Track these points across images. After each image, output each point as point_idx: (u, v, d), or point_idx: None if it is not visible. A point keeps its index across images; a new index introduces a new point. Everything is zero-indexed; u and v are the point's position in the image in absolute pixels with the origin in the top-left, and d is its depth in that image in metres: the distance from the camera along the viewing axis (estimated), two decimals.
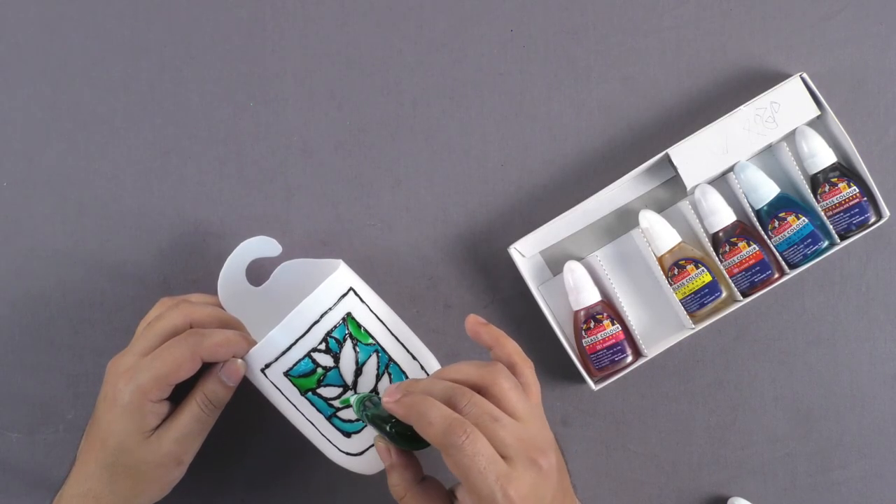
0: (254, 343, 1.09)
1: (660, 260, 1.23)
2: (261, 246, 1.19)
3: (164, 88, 1.30)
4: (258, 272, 1.20)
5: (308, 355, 1.09)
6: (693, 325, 1.22)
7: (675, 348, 1.25)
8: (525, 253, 1.27)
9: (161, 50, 1.30)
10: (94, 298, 1.28)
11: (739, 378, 1.28)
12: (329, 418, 1.12)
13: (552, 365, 1.27)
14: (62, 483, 1.10)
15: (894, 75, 1.28)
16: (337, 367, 1.10)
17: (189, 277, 1.27)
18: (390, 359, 1.13)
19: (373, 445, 1.12)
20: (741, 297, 1.22)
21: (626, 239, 1.27)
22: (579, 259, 1.26)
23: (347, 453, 1.13)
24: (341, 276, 1.12)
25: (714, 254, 1.23)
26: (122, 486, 1.08)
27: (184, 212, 1.29)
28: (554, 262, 1.28)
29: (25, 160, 1.29)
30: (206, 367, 1.09)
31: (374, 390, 1.12)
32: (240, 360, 1.09)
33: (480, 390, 1.00)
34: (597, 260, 1.24)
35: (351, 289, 1.12)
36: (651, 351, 1.23)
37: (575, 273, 1.24)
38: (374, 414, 1.03)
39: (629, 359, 1.23)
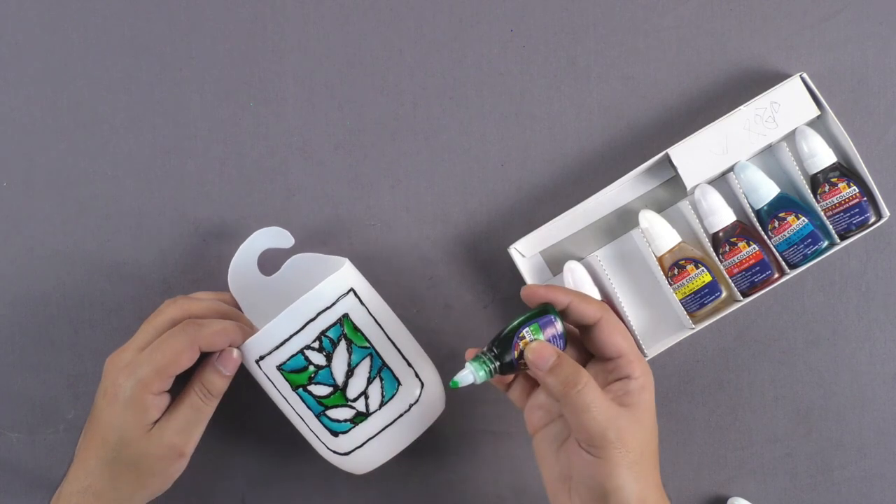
0: (251, 333, 1.10)
1: (660, 260, 1.23)
2: (274, 236, 1.20)
3: (164, 88, 1.30)
4: (271, 262, 1.21)
5: (301, 352, 1.10)
6: (693, 325, 1.22)
7: (675, 348, 1.25)
8: (525, 253, 1.27)
9: (161, 50, 1.30)
10: (94, 298, 1.29)
11: (739, 378, 1.28)
12: (318, 416, 1.12)
13: None
14: (60, 481, 1.10)
15: (894, 75, 1.28)
16: (328, 366, 1.11)
17: (189, 277, 1.27)
18: (384, 363, 1.13)
19: (359, 447, 1.14)
20: (741, 298, 1.22)
21: (627, 239, 1.27)
22: (579, 259, 1.26)
23: (335, 452, 1.14)
24: (343, 276, 1.12)
25: (714, 254, 1.22)
26: (123, 482, 1.08)
27: (184, 212, 1.29)
28: (554, 262, 1.28)
29: (25, 160, 1.29)
30: (205, 359, 1.11)
31: (365, 393, 1.13)
32: (236, 350, 1.10)
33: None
34: (597, 260, 1.24)
35: (351, 290, 1.12)
36: (651, 351, 1.24)
37: (575, 273, 1.24)
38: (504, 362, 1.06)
39: None
